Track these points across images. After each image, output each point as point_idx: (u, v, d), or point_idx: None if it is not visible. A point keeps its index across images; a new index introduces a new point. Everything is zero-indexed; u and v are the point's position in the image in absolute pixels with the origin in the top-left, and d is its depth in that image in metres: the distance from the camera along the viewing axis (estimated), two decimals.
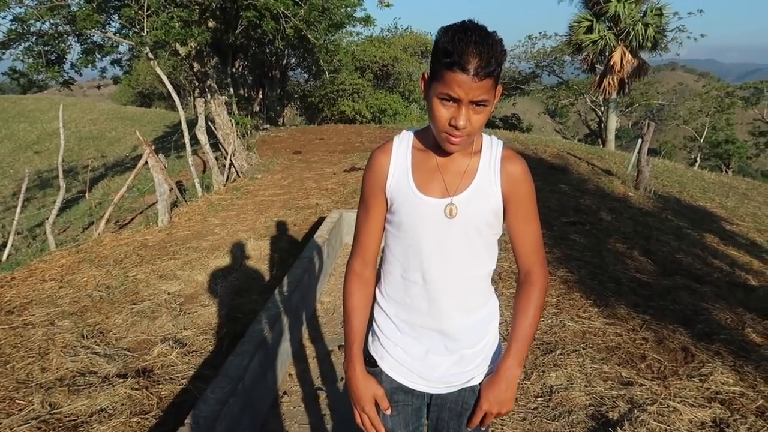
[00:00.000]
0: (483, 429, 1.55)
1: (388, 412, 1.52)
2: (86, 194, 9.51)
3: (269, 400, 2.90)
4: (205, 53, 9.56)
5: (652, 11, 18.49)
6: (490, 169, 1.41)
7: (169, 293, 4.46)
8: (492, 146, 1.44)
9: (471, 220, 1.40)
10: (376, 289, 1.57)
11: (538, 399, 3.18)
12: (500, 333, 1.61)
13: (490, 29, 1.26)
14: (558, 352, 3.66)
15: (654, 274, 5.36)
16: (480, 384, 1.52)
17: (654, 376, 3.50)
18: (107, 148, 20.80)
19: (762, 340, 4.26)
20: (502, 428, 2.91)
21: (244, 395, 2.45)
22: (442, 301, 1.45)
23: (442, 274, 1.43)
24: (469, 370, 1.50)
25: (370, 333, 1.58)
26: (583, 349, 3.72)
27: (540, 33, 27.91)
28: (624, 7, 18.20)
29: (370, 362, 1.54)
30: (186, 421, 2.08)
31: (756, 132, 33.00)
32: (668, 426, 2.94)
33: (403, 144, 1.46)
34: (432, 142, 1.40)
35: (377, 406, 1.50)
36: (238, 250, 5.25)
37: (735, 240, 7.69)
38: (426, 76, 1.32)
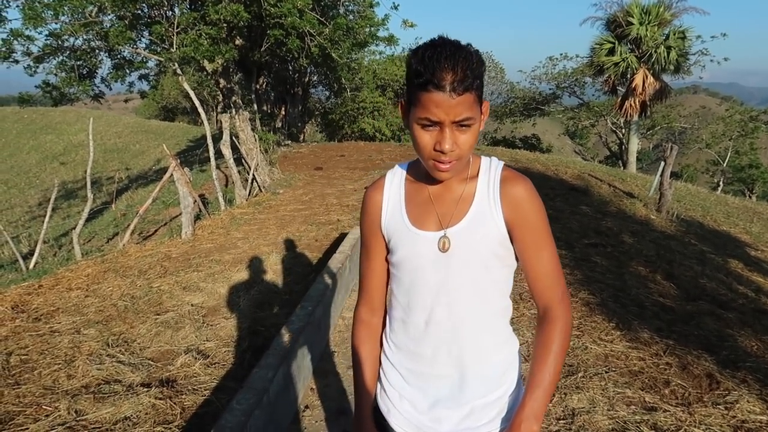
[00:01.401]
0: None
1: None
2: (112, 205, 9.68)
3: (291, 414, 2.91)
4: (231, 70, 9.75)
5: (674, 34, 18.43)
6: (488, 194, 1.27)
7: (192, 305, 4.52)
8: (491, 168, 1.30)
9: (471, 253, 1.26)
10: (383, 336, 1.45)
11: (560, 422, 3.15)
12: (522, 379, 1.44)
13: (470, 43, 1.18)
14: (580, 374, 3.63)
15: (677, 298, 5.30)
16: None
17: (678, 402, 3.45)
18: (131, 160, 21.17)
19: None
20: None
21: (269, 407, 2.47)
22: (448, 344, 1.30)
23: (445, 315, 1.29)
24: (481, 425, 1.32)
25: (378, 383, 1.46)
26: (606, 372, 3.69)
27: (561, 54, 27.94)
28: (646, 30, 18.18)
29: (381, 414, 1.43)
30: (212, 431, 2.11)
31: None
32: None
33: (396, 178, 1.37)
34: (424, 172, 1.28)
35: None
36: (260, 264, 5.30)
37: (760, 266, 7.57)
38: (403, 102, 1.23)
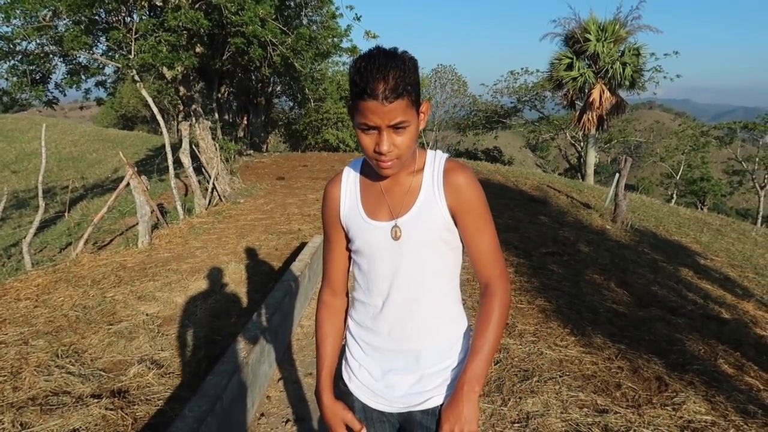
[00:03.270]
0: None
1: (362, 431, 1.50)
2: (65, 214, 9.40)
3: (246, 422, 2.88)
4: (191, 77, 9.63)
5: (629, 51, 19.07)
6: (433, 185, 1.39)
7: (147, 314, 4.42)
8: (435, 161, 1.42)
9: (420, 240, 1.39)
10: (347, 314, 1.59)
11: (515, 425, 3.20)
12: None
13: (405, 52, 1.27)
14: (535, 379, 3.69)
15: (630, 305, 5.45)
16: (441, 406, 1.46)
17: (629, 404, 3.54)
18: (87, 169, 20.62)
19: (733, 371, 4.35)
20: None
21: (222, 415, 2.44)
22: (402, 323, 1.44)
23: (400, 296, 1.42)
24: (427, 390, 1.46)
25: (343, 356, 1.59)
26: (560, 376, 3.76)
27: (522, 69, 28.61)
28: (603, 47, 18.76)
29: (344, 382, 1.57)
30: None
31: (730, 171, 33.90)
32: None
33: (352, 173, 1.49)
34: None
35: (351, 428, 1.49)
36: (219, 273, 5.23)
37: (709, 274, 7.84)
38: (350, 108, 1.34)
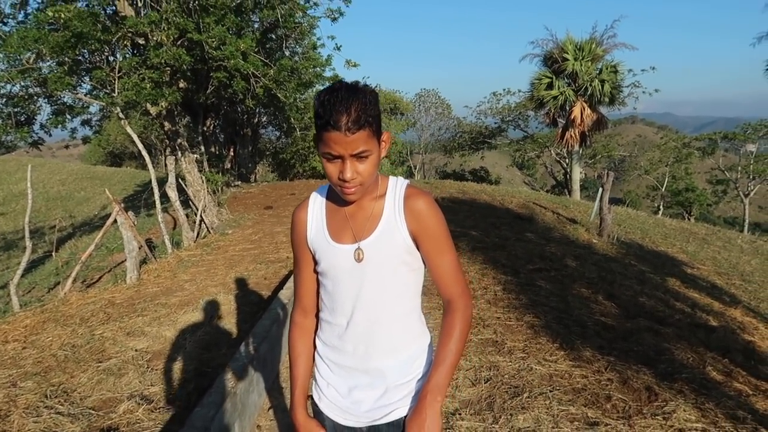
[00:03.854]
0: None
1: None
2: (53, 254, 9.36)
3: None
4: (176, 112, 9.72)
5: (607, 68, 19.45)
6: (394, 210, 1.46)
7: (136, 350, 4.41)
8: (396, 187, 1.50)
9: (382, 262, 1.46)
10: (316, 334, 1.65)
11: None
12: None
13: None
14: (525, 395, 3.71)
15: (618, 317, 5.50)
16: (405, 417, 1.52)
17: (619, 415, 3.56)
18: (76, 208, 20.56)
19: (722, 377, 4.39)
20: None
21: None
22: (365, 342, 1.50)
23: (363, 317, 1.49)
24: (393, 402, 1.53)
25: (313, 376, 1.66)
26: (550, 391, 3.78)
27: (504, 90, 29.01)
28: (581, 65, 19.13)
29: (314, 402, 1.63)
30: None
31: (713, 180, 34.36)
32: None
33: (318, 199, 1.56)
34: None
35: None
36: (208, 305, 5.23)
37: (696, 283, 7.93)
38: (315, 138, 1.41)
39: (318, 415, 1.61)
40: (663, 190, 33.00)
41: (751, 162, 30.19)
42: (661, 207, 32.17)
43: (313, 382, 1.65)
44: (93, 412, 3.56)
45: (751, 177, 30.06)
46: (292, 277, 5.34)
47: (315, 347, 1.65)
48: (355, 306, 1.49)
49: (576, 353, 4.44)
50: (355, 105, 1.28)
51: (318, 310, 1.64)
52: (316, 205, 1.55)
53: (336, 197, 1.51)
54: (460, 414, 3.48)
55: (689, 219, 27.76)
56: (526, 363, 4.20)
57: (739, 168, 30.84)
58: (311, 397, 1.63)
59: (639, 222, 13.33)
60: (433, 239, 1.47)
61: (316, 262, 1.55)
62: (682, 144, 33.36)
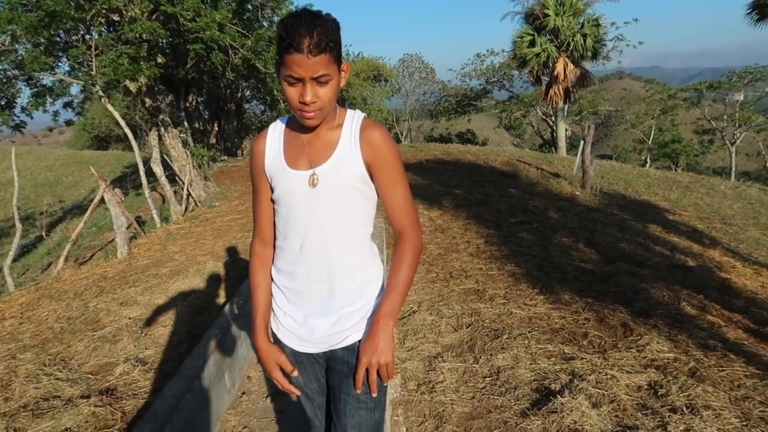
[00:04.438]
0: (374, 395, 1.57)
1: (294, 373, 1.62)
2: (44, 236, 9.43)
3: (228, 400, 3.02)
4: (156, 88, 9.69)
5: (589, 22, 19.34)
6: (350, 139, 1.51)
7: (130, 318, 4.53)
8: (353, 118, 1.55)
9: (336, 188, 1.51)
10: (272, 264, 1.68)
11: (486, 379, 3.38)
12: None
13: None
14: (505, 336, 3.88)
15: (597, 262, 5.66)
16: (359, 341, 1.58)
17: (595, 350, 3.74)
18: (65, 192, 20.51)
19: (696, 312, 4.57)
20: (452, 407, 3.09)
21: (201, 393, 2.58)
22: (318, 265, 1.55)
23: (316, 240, 1.53)
24: (346, 328, 1.58)
25: (272, 306, 1.70)
26: (529, 332, 3.95)
27: (487, 50, 28.82)
28: (562, 20, 19.01)
29: (274, 333, 1.67)
30: (145, 416, 2.21)
31: (700, 131, 34.48)
32: (606, 391, 3.17)
33: (276, 129, 1.60)
34: (299, 123, 1.51)
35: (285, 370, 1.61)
36: (197, 273, 5.35)
37: (677, 228, 8.10)
38: (277, 63, 1.44)
39: (278, 342, 1.66)
40: (649, 142, 33.14)
41: (737, 110, 30.27)
42: (648, 160, 32.36)
43: (272, 314, 1.69)
44: (91, 376, 3.69)
45: (737, 125, 30.19)
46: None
47: (272, 276, 1.67)
48: (308, 229, 1.53)
49: (555, 297, 4.61)
50: (318, 29, 1.32)
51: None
52: (275, 133, 1.59)
53: (295, 126, 1.55)
54: (442, 357, 3.64)
55: (676, 170, 27.97)
56: (506, 308, 4.36)
57: (725, 117, 30.94)
58: (271, 327, 1.67)
59: (622, 173, 13.47)
60: (387, 170, 1.53)
61: (272, 190, 1.59)
62: (667, 96, 33.36)
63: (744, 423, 2.83)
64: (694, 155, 33.97)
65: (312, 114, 1.41)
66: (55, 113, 11.03)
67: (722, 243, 7.55)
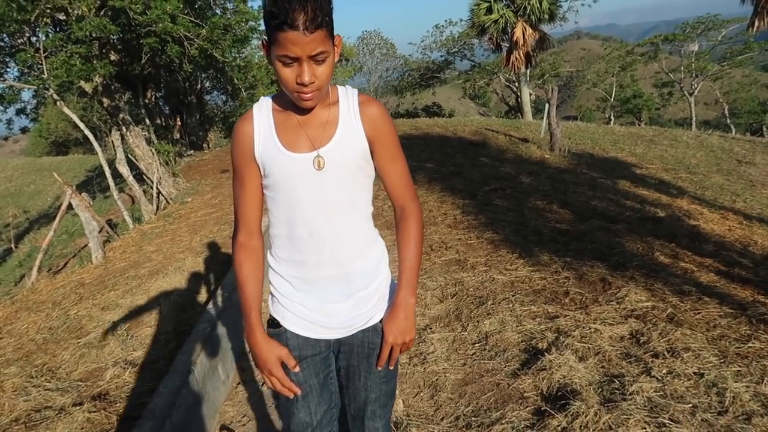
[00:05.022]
0: (392, 368, 1.61)
1: (297, 369, 1.54)
2: (13, 248, 9.22)
3: (224, 392, 3.04)
4: (113, 87, 9.45)
5: None
6: (350, 116, 1.44)
7: (113, 322, 4.48)
8: (348, 94, 1.48)
9: (342, 168, 1.44)
10: (268, 254, 1.60)
11: (475, 345, 3.45)
12: (391, 271, 1.68)
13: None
14: (490, 302, 3.95)
15: (572, 221, 5.78)
16: (381, 321, 1.57)
17: (577, 307, 3.84)
18: (28, 202, 19.98)
19: (669, 260, 4.72)
20: (446, 375, 3.15)
21: (197, 387, 2.59)
22: (330, 249, 1.48)
23: (324, 223, 1.46)
24: (367, 310, 1.55)
25: (270, 297, 1.61)
26: (513, 296, 4.03)
27: (446, 21, 28.72)
28: None
29: (274, 324, 1.57)
30: (144, 414, 2.21)
31: (659, 84, 35.09)
32: (591, 344, 3.27)
33: (263, 109, 1.48)
34: (290, 102, 1.43)
35: (285, 366, 1.52)
36: (177, 270, 5.30)
37: (645, 181, 8.29)
38: (265, 42, 1.34)
39: (277, 337, 1.56)
40: (612, 100, 33.62)
41: (693, 61, 30.84)
42: (611, 117, 32.87)
43: (272, 302, 1.60)
44: (81, 383, 3.66)
45: (694, 75, 30.79)
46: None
47: (269, 268, 1.60)
48: (317, 214, 1.46)
49: (534, 259, 4.70)
50: (312, 3, 1.22)
51: (268, 229, 1.61)
52: (262, 114, 1.47)
53: (284, 105, 1.47)
54: (430, 328, 3.70)
55: (640, 125, 28.47)
56: (488, 275, 4.44)
57: (682, 68, 31.50)
58: (269, 320, 1.58)
59: (589, 133, 13.68)
60: (388, 145, 1.49)
61: (264, 176, 1.49)
62: (625, 52, 33.81)
63: (722, 360, 2.96)
64: (656, 109, 34.62)
65: (310, 95, 1.34)
66: (9, 121, 10.73)
67: (689, 192, 7.76)
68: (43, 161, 28.25)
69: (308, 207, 1.46)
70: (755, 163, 11.85)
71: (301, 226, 1.47)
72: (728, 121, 32.17)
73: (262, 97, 1.51)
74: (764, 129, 29.95)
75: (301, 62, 1.28)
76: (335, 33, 1.35)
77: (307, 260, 1.50)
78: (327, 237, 1.48)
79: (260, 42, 1.41)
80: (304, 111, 1.43)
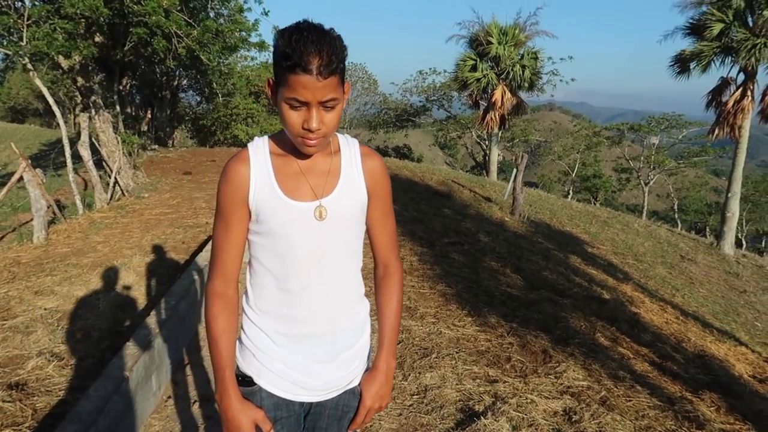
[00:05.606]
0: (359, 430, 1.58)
1: None
2: None
3: (153, 404, 2.93)
4: (90, 68, 9.24)
5: (528, 54, 20.19)
6: (352, 166, 1.41)
7: (45, 309, 4.29)
8: (349, 144, 1.44)
9: (343, 220, 1.39)
10: (244, 304, 1.48)
11: (414, 396, 3.45)
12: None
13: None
14: (434, 355, 3.97)
15: (522, 288, 5.91)
16: (359, 384, 1.50)
17: (517, 374, 3.90)
18: None
19: (609, 343, 4.87)
20: (380, 423, 3.13)
21: (128, 395, 2.49)
22: (322, 305, 1.41)
23: (319, 277, 1.39)
24: (349, 372, 1.48)
25: (239, 352, 1.46)
26: (457, 353, 4.06)
27: (430, 69, 29.43)
28: (504, 50, 19.74)
29: (245, 382, 1.43)
30: (68, 416, 2.11)
31: (619, 169, 36.72)
32: (525, 415, 3.31)
33: (260, 151, 1.38)
34: (290, 145, 1.35)
35: (258, 429, 1.39)
36: (122, 267, 5.14)
37: (595, 261, 8.58)
38: (271, 81, 1.29)
39: (249, 396, 1.42)
40: (573, 175, 34.93)
41: (653, 153, 32.48)
42: (570, 191, 34.06)
43: (243, 357, 1.46)
44: None
45: (651, 167, 32.37)
46: (210, 242, 5.34)
47: (244, 319, 1.48)
48: (313, 267, 1.38)
49: (482, 319, 4.77)
50: (327, 48, 1.17)
51: (249, 277, 1.48)
52: (259, 157, 1.37)
53: (283, 149, 1.39)
54: None
55: (595, 204, 29.56)
56: (436, 327, 4.47)
57: (642, 158, 33.11)
58: (240, 377, 1.44)
59: (549, 203, 14.11)
60: (384, 201, 1.46)
61: (257, 223, 1.38)
62: (593, 132, 35.37)
63: None
64: (612, 191, 36.13)
65: (315, 142, 1.27)
66: None
67: (634, 278, 8.07)
68: None
69: (304, 259, 1.37)
70: (697, 261, 12.45)
71: (293, 278, 1.38)
72: (676, 215, 33.83)
73: (257, 137, 1.42)
74: (707, 230, 31.55)
75: (310, 107, 1.22)
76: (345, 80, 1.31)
77: (296, 315, 1.40)
78: (321, 291, 1.40)
79: (269, 81, 1.31)
80: (305, 157, 1.37)
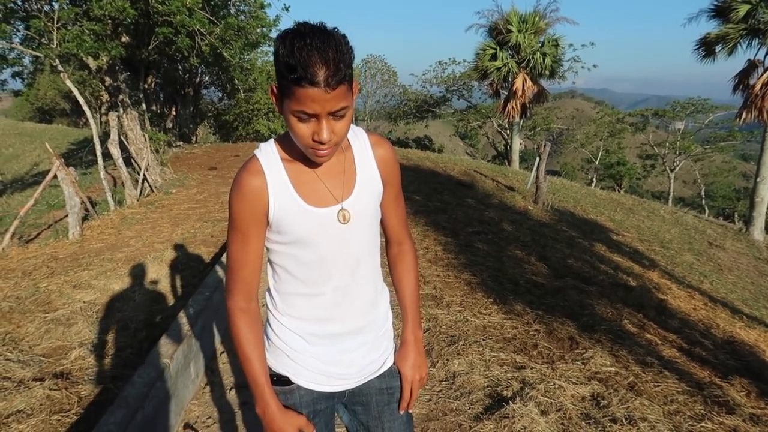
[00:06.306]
0: (411, 411, 1.57)
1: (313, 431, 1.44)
2: None
3: (192, 391, 3.05)
4: (117, 67, 9.44)
5: (549, 42, 19.97)
6: (365, 160, 1.39)
7: (84, 302, 4.45)
8: (358, 136, 1.41)
9: (366, 218, 1.38)
10: (270, 307, 1.47)
11: (443, 383, 3.52)
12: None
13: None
14: (461, 343, 4.03)
15: (547, 276, 5.92)
16: (394, 363, 1.53)
17: (544, 361, 3.94)
18: (4, 165, 19.59)
19: (636, 329, 4.87)
20: None
21: (169, 381, 2.61)
22: (353, 303, 1.42)
23: (349, 277, 1.39)
24: (380, 354, 1.50)
25: (269, 352, 1.45)
26: (483, 340, 4.12)
27: (450, 59, 29.28)
28: (524, 38, 19.56)
29: (280, 381, 1.43)
30: (116, 402, 2.22)
31: (643, 155, 36.16)
32: (554, 400, 3.36)
33: (271, 159, 1.33)
34: (297, 152, 1.32)
35: None
36: (155, 260, 5.29)
37: (620, 248, 8.53)
38: (275, 89, 1.22)
39: (287, 394, 1.44)
40: (597, 163, 34.53)
41: (678, 138, 31.91)
42: (594, 179, 33.69)
43: (276, 357, 1.45)
44: (43, 359, 3.62)
45: (677, 153, 31.81)
46: (225, 255, 5.45)
47: (272, 321, 1.48)
48: (341, 269, 1.38)
49: (508, 307, 4.81)
50: (333, 55, 1.10)
51: (271, 284, 1.47)
52: (272, 167, 1.31)
53: (295, 154, 1.33)
54: None
55: (619, 191, 29.19)
56: (462, 315, 4.53)
57: (667, 144, 32.55)
58: (274, 377, 1.44)
59: (572, 192, 14.01)
60: (395, 185, 1.47)
61: (279, 233, 1.35)
62: (616, 119, 34.87)
63: None
64: (637, 178, 35.62)
65: (327, 152, 1.23)
66: (3, 82, 10.62)
67: (660, 265, 8.00)
68: (25, 126, 27.78)
69: (333, 264, 1.36)
70: (725, 247, 12.27)
71: (324, 283, 1.37)
72: (703, 201, 33.24)
73: (263, 144, 1.36)
74: (736, 216, 30.98)
75: (319, 118, 1.16)
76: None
77: (329, 316, 1.41)
78: (351, 290, 1.40)
79: (273, 89, 1.24)
80: (320, 165, 1.34)
